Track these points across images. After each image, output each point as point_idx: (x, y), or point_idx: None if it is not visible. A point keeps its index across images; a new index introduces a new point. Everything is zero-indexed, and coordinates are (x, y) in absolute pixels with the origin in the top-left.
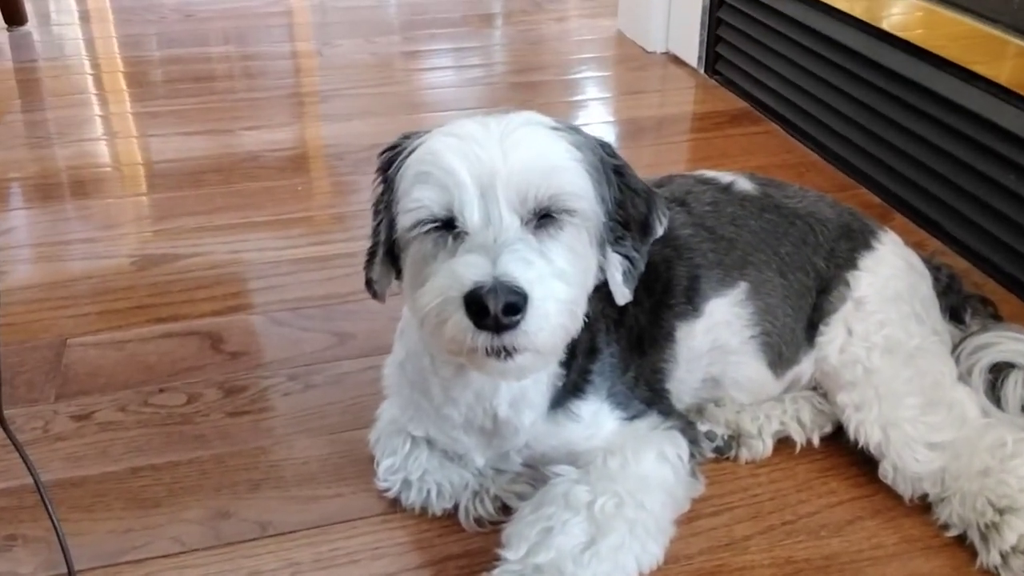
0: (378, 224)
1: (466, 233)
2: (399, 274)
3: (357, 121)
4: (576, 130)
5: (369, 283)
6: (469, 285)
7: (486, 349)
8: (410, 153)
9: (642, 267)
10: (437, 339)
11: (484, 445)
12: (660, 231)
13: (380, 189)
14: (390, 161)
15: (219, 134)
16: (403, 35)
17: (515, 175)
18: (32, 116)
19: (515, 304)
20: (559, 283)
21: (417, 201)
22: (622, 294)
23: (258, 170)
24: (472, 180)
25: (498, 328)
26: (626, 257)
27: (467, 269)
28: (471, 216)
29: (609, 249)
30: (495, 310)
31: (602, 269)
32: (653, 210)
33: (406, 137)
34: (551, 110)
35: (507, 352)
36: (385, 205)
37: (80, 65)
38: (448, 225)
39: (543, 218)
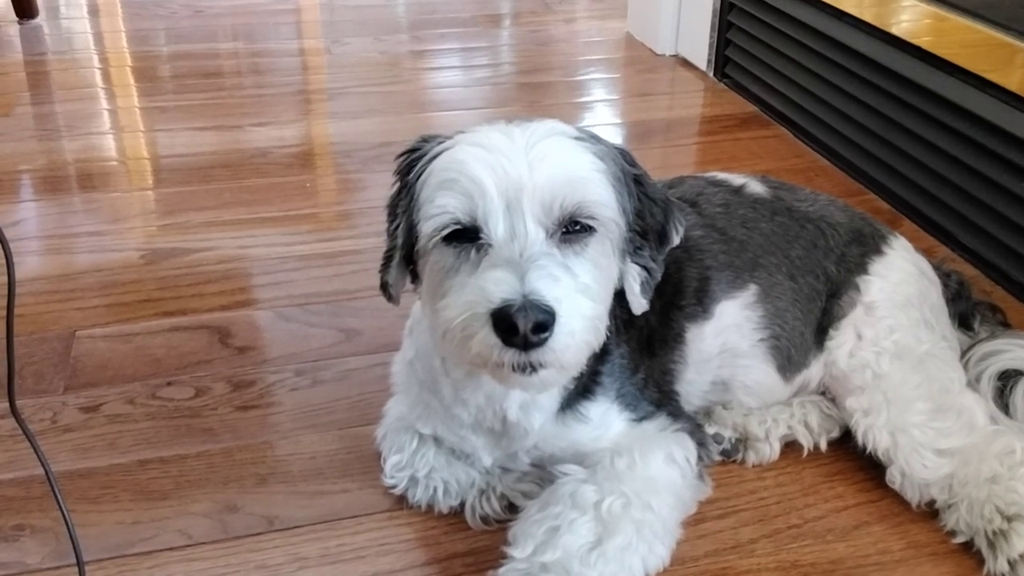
0: (395, 228)
1: (490, 245)
2: (415, 278)
3: (365, 119)
4: (598, 139)
5: (384, 286)
6: (497, 302)
7: (512, 365)
8: (432, 159)
9: (659, 277)
10: (461, 352)
11: (492, 445)
12: (677, 240)
13: (398, 192)
14: (410, 165)
15: (227, 130)
16: (411, 34)
17: (541, 188)
18: (41, 109)
19: (544, 323)
20: (584, 299)
21: (441, 208)
22: (639, 304)
23: (267, 166)
24: (498, 192)
25: (526, 346)
26: (644, 267)
27: (496, 286)
28: (496, 228)
29: (628, 259)
30: (524, 329)
31: (619, 278)
32: (670, 219)
33: (425, 141)
34: (559, 111)
35: (532, 368)
36: (403, 209)
37: (89, 59)
38: (471, 236)
39: (567, 232)
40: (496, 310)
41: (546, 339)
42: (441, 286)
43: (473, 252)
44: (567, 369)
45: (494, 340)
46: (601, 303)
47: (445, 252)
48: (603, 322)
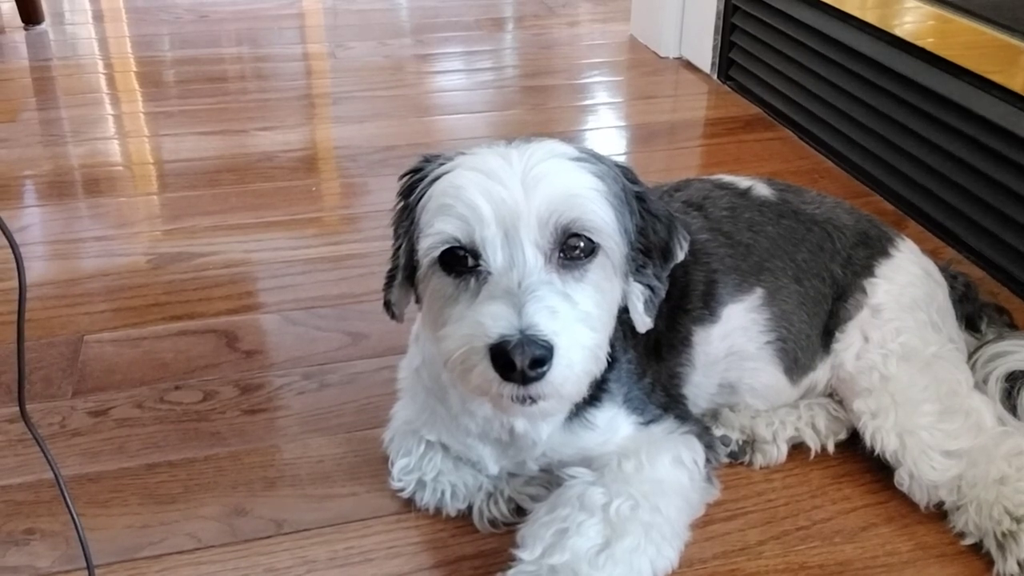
0: (398, 248)
1: (489, 273)
2: (418, 298)
3: (369, 123)
4: (599, 158)
5: (388, 304)
6: (495, 338)
7: (511, 397)
8: (432, 181)
9: (663, 294)
10: (462, 383)
11: (499, 454)
12: (681, 256)
13: (400, 213)
14: (412, 187)
15: (232, 134)
16: (415, 38)
17: (537, 210)
18: (47, 114)
19: (541, 358)
20: (584, 329)
21: (438, 232)
22: (643, 323)
23: (272, 170)
24: (496, 220)
25: (524, 380)
26: (647, 285)
27: (493, 321)
28: (494, 257)
29: (631, 278)
30: (521, 365)
31: (623, 297)
32: (674, 235)
33: (427, 160)
34: (562, 114)
35: (532, 400)
36: (405, 231)
37: (94, 64)
38: (469, 264)
39: (567, 257)
40: (493, 345)
41: (544, 373)
42: (441, 314)
43: (472, 281)
44: (567, 399)
45: (492, 374)
46: (603, 330)
47: (445, 281)
48: (604, 350)
